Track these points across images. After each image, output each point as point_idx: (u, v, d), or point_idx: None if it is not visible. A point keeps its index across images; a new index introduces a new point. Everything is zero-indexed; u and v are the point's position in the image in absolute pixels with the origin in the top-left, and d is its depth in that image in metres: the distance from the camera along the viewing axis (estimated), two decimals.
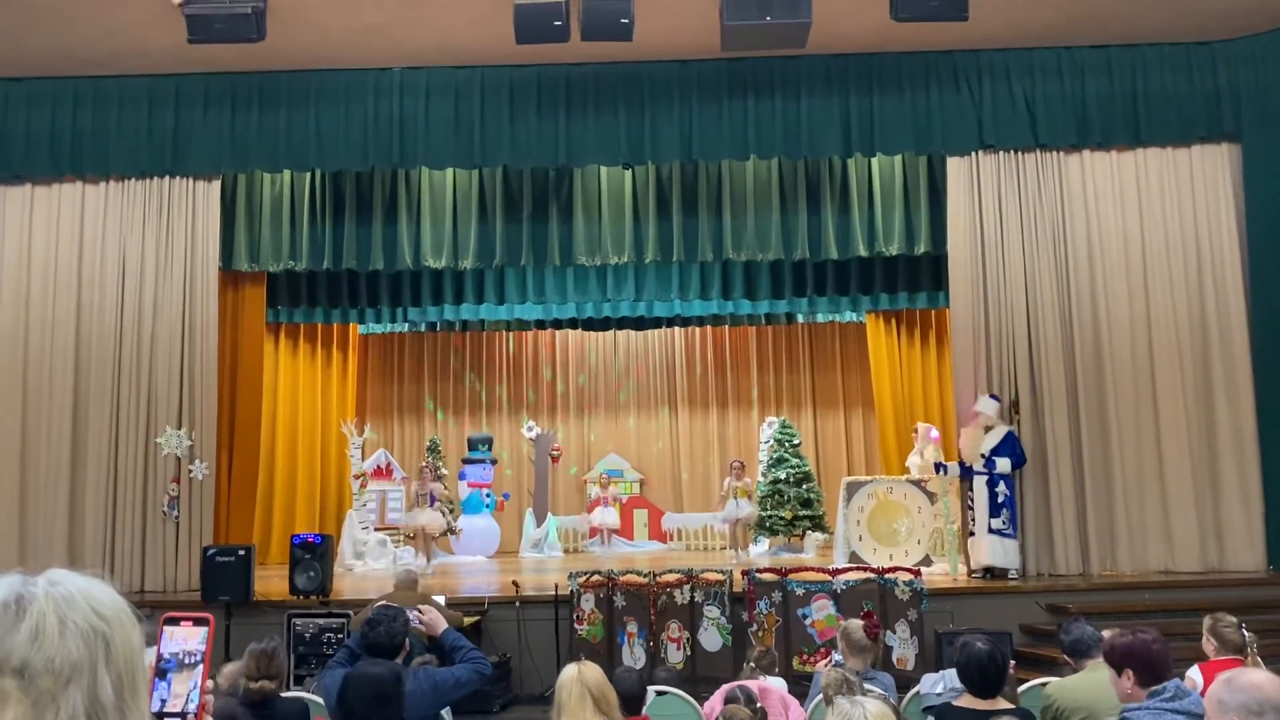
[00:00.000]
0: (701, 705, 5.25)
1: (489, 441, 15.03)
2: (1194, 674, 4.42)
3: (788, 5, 8.22)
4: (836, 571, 8.79)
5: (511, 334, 16.15)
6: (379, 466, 14.41)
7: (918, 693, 5.05)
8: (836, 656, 5.27)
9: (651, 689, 5.07)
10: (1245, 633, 4.68)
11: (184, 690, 1.48)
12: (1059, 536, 9.74)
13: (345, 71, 10.13)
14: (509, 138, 10.12)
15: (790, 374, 16.25)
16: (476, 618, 8.67)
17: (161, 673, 1.49)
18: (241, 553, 9.05)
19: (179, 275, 10.26)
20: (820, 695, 4.60)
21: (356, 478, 13.33)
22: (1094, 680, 4.20)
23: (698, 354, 16.45)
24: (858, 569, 8.92)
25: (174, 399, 10.10)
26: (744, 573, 8.86)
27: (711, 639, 8.48)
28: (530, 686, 8.62)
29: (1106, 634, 3.96)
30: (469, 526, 13.82)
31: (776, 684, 5.39)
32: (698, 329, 16.21)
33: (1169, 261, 10.08)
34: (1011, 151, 10.21)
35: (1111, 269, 10.06)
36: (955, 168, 10.27)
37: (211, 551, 9.10)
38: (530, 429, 15.35)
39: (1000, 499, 9.59)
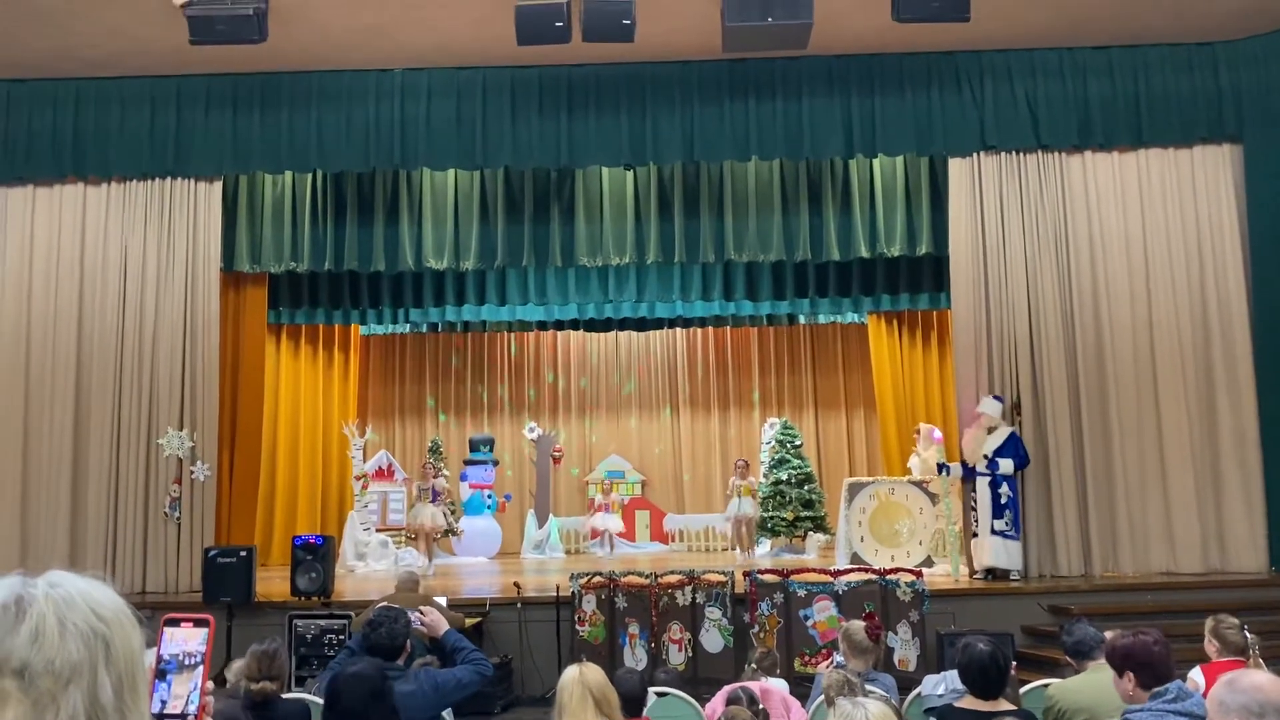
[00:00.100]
0: (703, 706, 5.24)
1: (490, 443, 15.03)
2: (1196, 675, 4.42)
3: (789, 6, 8.22)
4: (838, 573, 8.79)
5: (513, 335, 16.16)
6: (380, 468, 14.41)
7: (919, 694, 5.04)
8: (838, 658, 5.26)
9: (651, 690, 5.07)
10: (1247, 634, 4.67)
11: (184, 692, 1.48)
12: (1061, 537, 9.73)
13: (347, 72, 10.14)
14: (510, 138, 10.12)
15: (792, 375, 16.25)
16: (478, 619, 8.67)
17: (161, 674, 1.48)
18: (243, 554, 9.06)
19: (180, 276, 10.27)
20: (822, 696, 4.59)
21: (358, 479, 13.34)
22: (1096, 681, 4.20)
23: (699, 355, 16.45)
24: (859, 570, 8.92)
25: (175, 400, 10.11)
26: (745, 574, 8.86)
27: (713, 640, 8.47)
28: (531, 688, 8.62)
29: (1108, 635, 3.96)
30: (470, 528, 13.83)
31: (778, 685, 5.39)
32: (699, 330, 16.21)
33: (1171, 262, 10.07)
34: (1013, 152, 10.21)
35: (1113, 270, 10.06)
36: (957, 168, 10.26)
37: (213, 552, 9.10)
38: (532, 430, 15.36)
39: (1003, 500, 9.58)
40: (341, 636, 8.05)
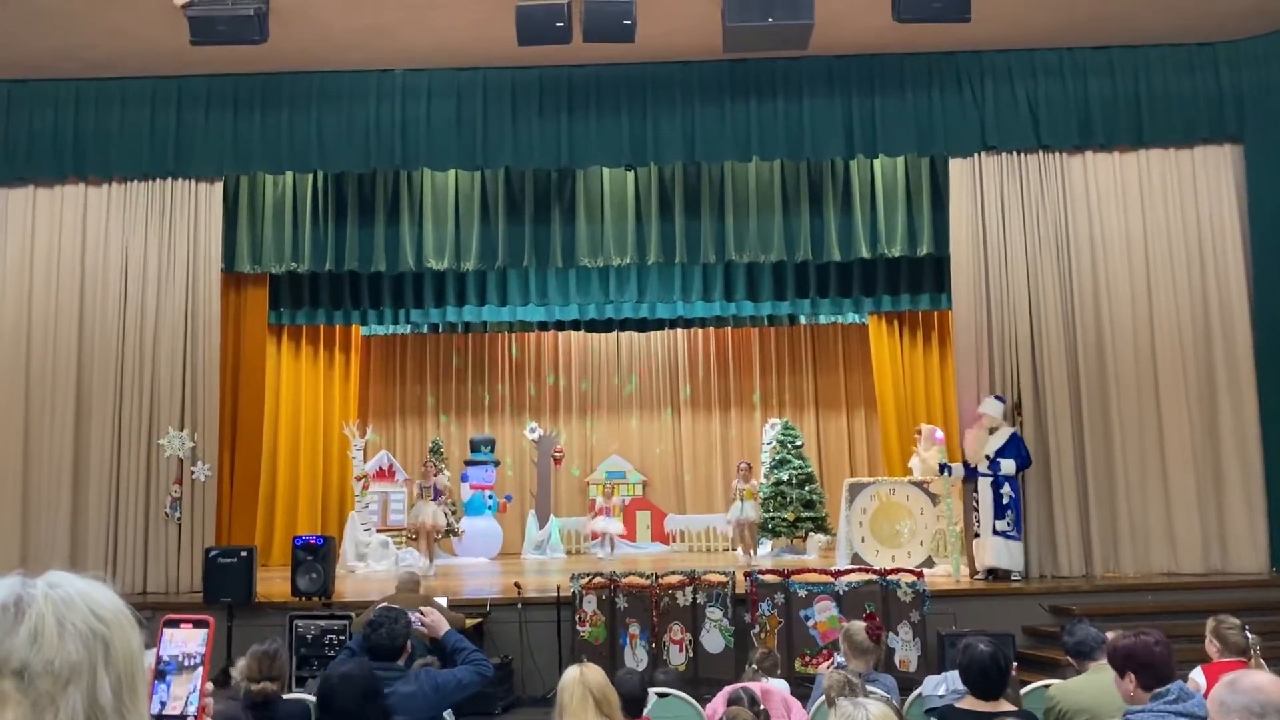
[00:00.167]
0: (704, 707, 5.24)
1: (491, 443, 15.03)
2: (1197, 676, 4.41)
3: (790, 7, 8.22)
4: (839, 573, 8.78)
5: (514, 335, 16.16)
6: (381, 468, 14.41)
7: (920, 694, 5.04)
8: (839, 658, 5.26)
9: (652, 691, 5.07)
10: (1248, 635, 4.66)
11: (184, 693, 1.48)
12: (1061, 538, 9.72)
13: (347, 73, 10.14)
14: (511, 139, 10.12)
15: (793, 375, 16.25)
16: (478, 619, 8.67)
17: (161, 675, 1.48)
18: (243, 554, 9.05)
19: (181, 277, 10.27)
20: (822, 697, 4.59)
21: (358, 479, 13.34)
22: (1097, 682, 4.20)
23: (700, 355, 16.45)
24: (860, 570, 8.91)
25: (176, 401, 10.11)
26: (746, 574, 8.86)
27: (714, 641, 8.47)
28: (532, 688, 8.61)
29: (1110, 636, 3.96)
30: (471, 528, 13.83)
31: (779, 686, 5.39)
32: (700, 330, 16.21)
33: (1172, 262, 10.07)
34: (1014, 153, 10.21)
35: (1114, 270, 10.05)
36: (958, 169, 10.26)
37: (214, 553, 9.10)
38: (533, 431, 15.36)
39: (1005, 501, 9.58)
40: (342, 637, 8.05)
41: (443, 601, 7.91)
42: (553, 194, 10.90)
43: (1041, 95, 10.14)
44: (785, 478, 13.65)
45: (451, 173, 10.83)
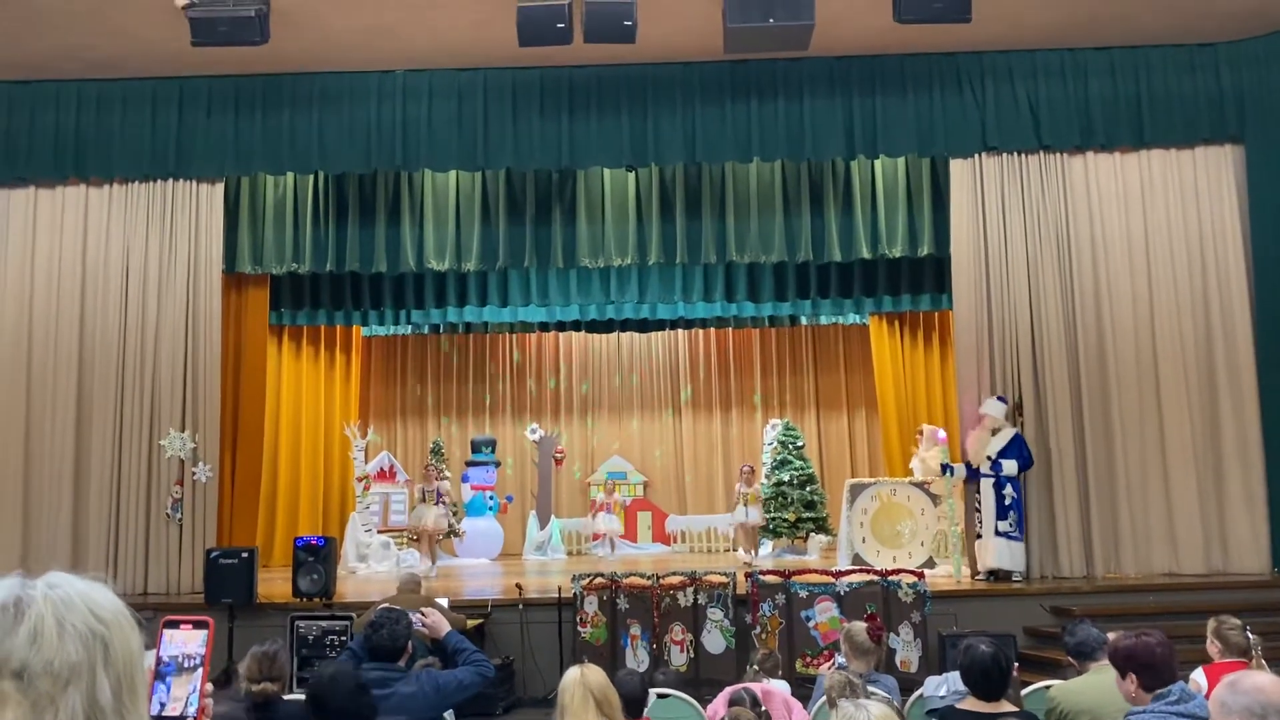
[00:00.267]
0: (705, 708, 5.24)
1: (492, 444, 15.03)
2: (1198, 677, 4.41)
3: (791, 7, 8.22)
4: (840, 574, 8.77)
5: (515, 336, 16.15)
6: (382, 469, 14.41)
7: (921, 695, 5.04)
8: (840, 659, 5.25)
9: (651, 691, 5.06)
10: (1250, 635, 4.66)
11: (183, 693, 1.47)
12: (1063, 538, 9.72)
13: (348, 74, 10.14)
14: (512, 140, 10.12)
15: (794, 376, 16.24)
16: (479, 620, 8.67)
17: (161, 676, 1.48)
18: (244, 555, 9.05)
19: (182, 278, 10.27)
20: (823, 698, 4.59)
21: (359, 480, 13.33)
22: (1098, 682, 4.19)
23: (701, 356, 16.44)
24: (861, 571, 8.90)
25: (177, 401, 10.11)
26: (747, 575, 8.85)
27: (715, 641, 8.46)
28: (533, 689, 8.61)
29: (1111, 636, 3.95)
30: (472, 529, 13.83)
31: (780, 686, 5.39)
32: (701, 331, 16.21)
33: (1173, 263, 10.06)
34: (1015, 153, 10.20)
35: (1115, 271, 10.05)
36: (958, 170, 10.26)
37: (215, 554, 9.10)
38: (533, 431, 15.36)
39: (1007, 501, 9.58)
40: (343, 638, 8.04)
41: (444, 602, 7.91)
42: (553, 194, 10.91)
43: (1042, 96, 10.14)
44: (786, 478, 13.65)
45: (452, 173, 10.83)
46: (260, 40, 8.50)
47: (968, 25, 8.62)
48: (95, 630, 1.15)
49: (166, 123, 10.23)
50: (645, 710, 4.49)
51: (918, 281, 12.54)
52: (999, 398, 9.83)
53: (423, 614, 4.72)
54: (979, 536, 9.73)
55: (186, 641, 1.52)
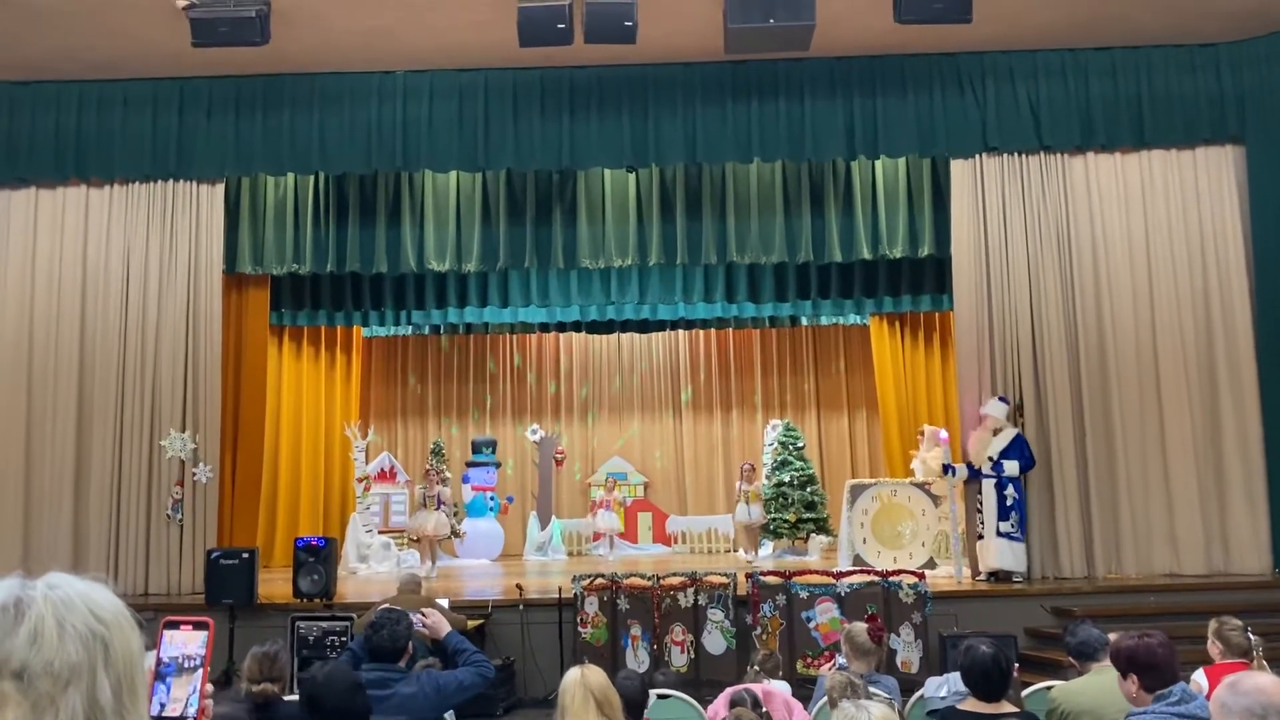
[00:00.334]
0: (705, 709, 5.24)
1: (493, 445, 15.03)
2: (1199, 677, 4.41)
3: (791, 8, 8.22)
4: (840, 574, 8.77)
5: (515, 337, 16.15)
6: (382, 469, 14.41)
7: (922, 696, 5.04)
8: (840, 660, 5.25)
9: (651, 692, 5.06)
10: (1251, 636, 4.66)
11: (183, 694, 1.47)
12: (1063, 539, 9.72)
13: (349, 74, 10.14)
14: (512, 140, 10.12)
15: (794, 376, 16.24)
16: (480, 621, 8.67)
17: (161, 676, 1.48)
18: (245, 556, 9.05)
19: (183, 278, 10.27)
20: (824, 699, 4.58)
21: (360, 481, 13.33)
22: (1099, 683, 4.19)
23: (702, 357, 16.43)
24: (862, 572, 8.91)
25: (178, 402, 10.11)
26: (748, 576, 8.85)
27: (715, 642, 8.46)
28: (534, 690, 8.61)
29: (1112, 637, 3.95)
30: (473, 530, 13.83)
31: (780, 687, 5.38)
32: (702, 332, 16.20)
33: (1174, 263, 10.06)
34: (1015, 154, 10.20)
35: (1116, 271, 10.05)
36: (959, 170, 10.26)
37: (215, 554, 9.10)
38: (534, 432, 15.36)
39: (1009, 502, 9.57)
40: (344, 638, 8.05)
41: (444, 603, 7.91)
42: (554, 195, 10.91)
43: (1043, 96, 10.14)
44: (787, 479, 13.64)
45: (453, 174, 10.83)
46: (261, 41, 8.50)
47: (968, 26, 8.62)
48: (95, 631, 1.15)
49: (167, 123, 10.24)
50: (646, 711, 4.49)
51: (918, 282, 12.53)
52: (1001, 398, 9.83)
53: (423, 614, 4.72)
54: (980, 537, 9.73)
55: (186, 642, 1.52)
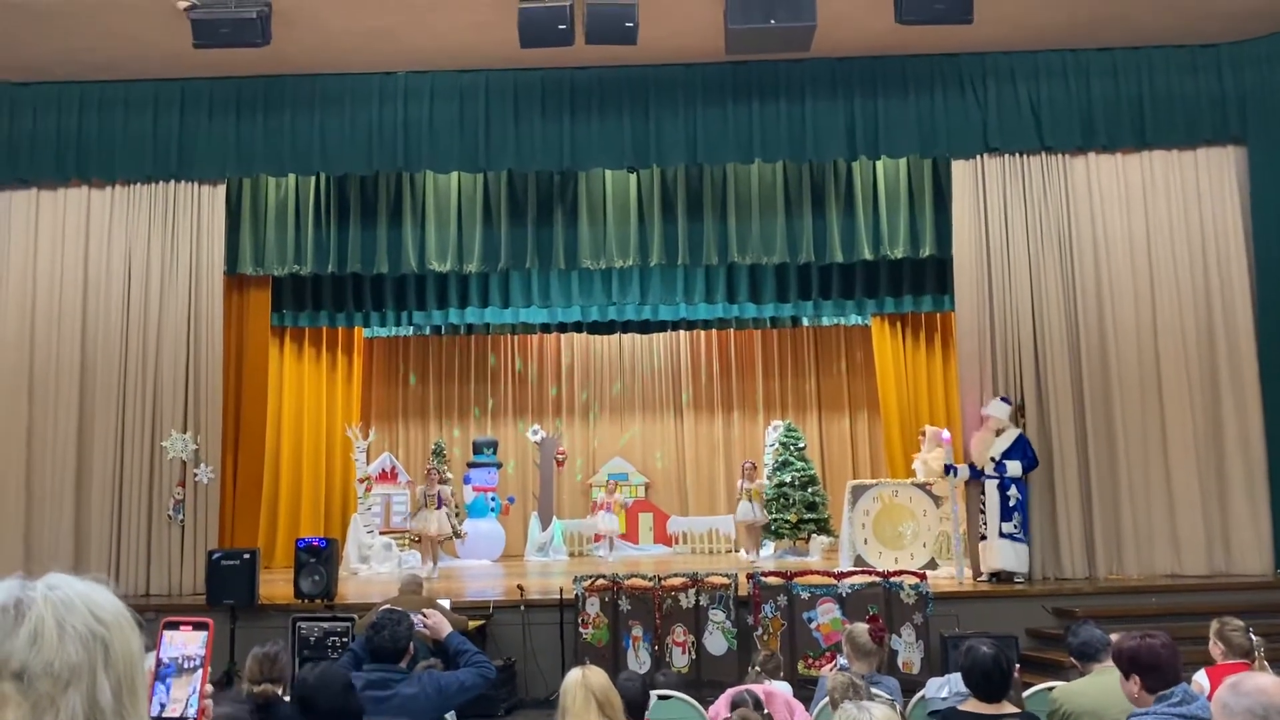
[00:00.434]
0: (707, 710, 5.23)
1: (494, 445, 15.03)
2: (1200, 678, 4.41)
3: (792, 8, 8.21)
4: (842, 575, 8.77)
5: (516, 337, 16.16)
6: (384, 470, 14.42)
7: (923, 697, 5.03)
8: (842, 660, 5.25)
9: (652, 692, 5.06)
10: (1252, 637, 4.65)
11: (183, 695, 1.47)
12: (1065, 540, 9.71)
13: (350, 75, 10.14)
14: (513, 141, 10.12)
15: (795, 377, 16.24)
16: (481, 621, 8.67)
17: (161, 677, 1.48)
18: (246, 556, 9.05)
19: (184, 279, 10.27)
20: (826, 699, 4.58)
21: (361, 481, 13.33)
22: (1101, 684, 4.19)
23: (703, 357, 16.44)
24: (863, 572, 8.90)
25: (179, 403, 10.11)
26: (749, 576, 8.84)
27: (716, 643, 8.46)
28: (535, 690, 8.61)
29: (1114, 638, 3.94)
30: (474, 530, 13.83)
31: (782, 688, 5.38)
32: (703, 332, 16.20)
33: (1175, 264, 10.06)
34: (1017, 154, 10.20)
35: (1117, 272, 10.04)
36: (960, 171, 10.25)
37: (216, 555, 9.10)
38: (535, 432, 15.35)
39: (1011, 503, 9.57)
40: (345, 639, 8.05)
41: (445, 603, 7.91)
42: (555, 196, 10.91)
43: (1044, 96, 10.14)
44: (788, 479, 13.64)
45: (454, 175, 10.83)
46: (262, 42, 8.50)
47: (969, 26, 8.62)
48: (95, 631, 1.15)
49: (168, 124, 10.24)
50: (647, 712, 4.49)
51: (919, 282, 12.53)
52: (1003, 398, 9.83)
53: (424, 615, 4.72)
54: (983, 538, 9.72)
55: (187, 643, 1.52)
